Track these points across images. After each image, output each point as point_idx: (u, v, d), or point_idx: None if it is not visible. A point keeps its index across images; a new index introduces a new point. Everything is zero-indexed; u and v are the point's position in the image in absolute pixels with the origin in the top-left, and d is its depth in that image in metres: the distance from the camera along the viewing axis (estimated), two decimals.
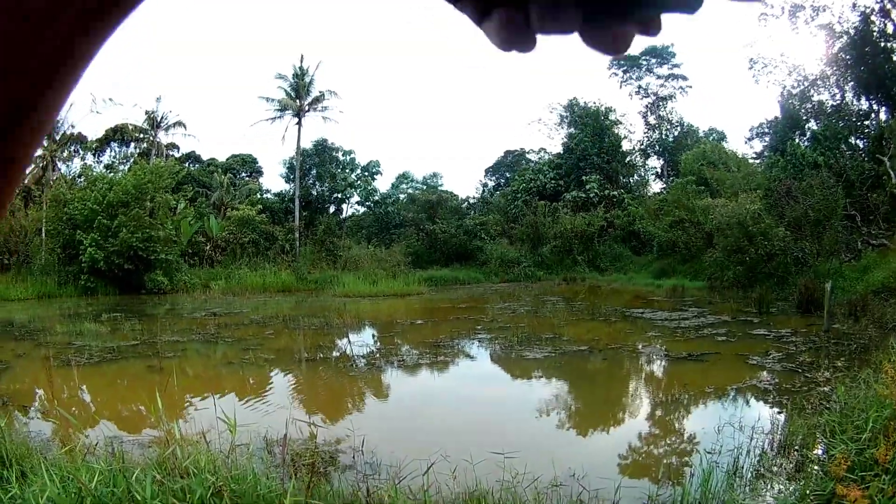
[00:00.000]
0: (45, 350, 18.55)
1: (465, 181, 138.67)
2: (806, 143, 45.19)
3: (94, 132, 51.31)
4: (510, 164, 68.25)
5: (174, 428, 7.05)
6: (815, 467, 8.64)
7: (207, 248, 41.54)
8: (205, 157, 56.67)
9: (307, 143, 50.01)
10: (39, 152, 42.90)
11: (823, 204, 31.49)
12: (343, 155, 52.73)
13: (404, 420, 12.98)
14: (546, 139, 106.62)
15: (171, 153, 51.78)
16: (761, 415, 12.79)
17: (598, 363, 18.74)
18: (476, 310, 30.07)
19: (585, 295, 36.34)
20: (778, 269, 32.35)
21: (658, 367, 19.23)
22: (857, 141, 45.04)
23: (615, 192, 51.65)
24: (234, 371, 16.18)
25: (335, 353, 19.26)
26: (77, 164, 48.15)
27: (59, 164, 46.28)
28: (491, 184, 69.41)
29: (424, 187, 53.33)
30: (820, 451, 9.54)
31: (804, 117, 48.76)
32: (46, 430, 9.91)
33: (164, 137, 51.98)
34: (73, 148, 48.60)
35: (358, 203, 54.34)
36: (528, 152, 67.36)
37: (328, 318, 25.44)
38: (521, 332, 22.68)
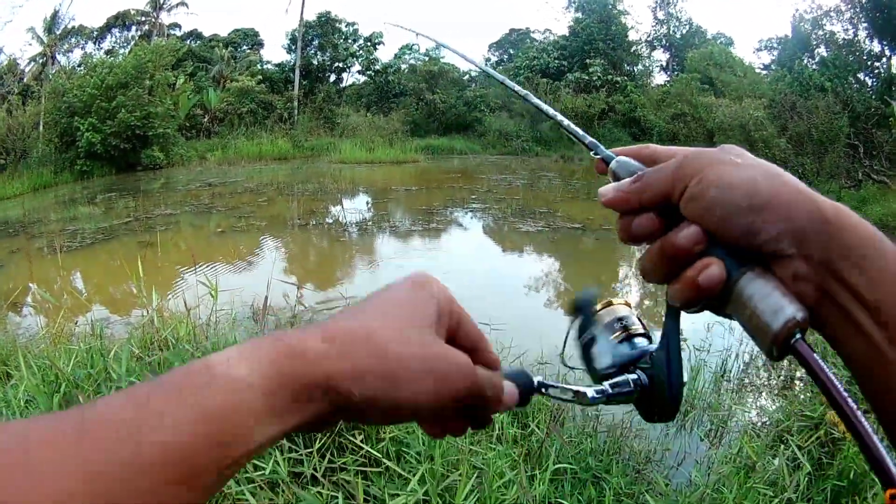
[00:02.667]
0: (39, 242, 17.86)
1: (469, 56, 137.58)
2: (815, 66, 44.61)
3: (96, 22, 50.32)
4: (514, 42, 67.26)
5: (156, 300, 6.99)
6: (804, 386, 8.69)
7: (205, 120, 40.77)
8: (207, 34, 55.49)
9: (311, 16, 48.96)
10: (38, 48, 42.49)
11: (827, 126, 31.02)
12: (346, 26, 51.56)
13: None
14: (552, 21, 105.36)
15: (172, 32, 50.64)
16: None
17: (591, 243, 18.73)
18: (472, 179, 30.13)
19: (582, 175, 35.52)
20: None
21: None
22: (867, 78, 44.01)
23: (619, 78, 50.74)
24: (225, 240, 16.08)
25: (328, 220, 19.22)
26: (77, 54, 46.56)
27: (60, 58, 44.86)
28: (494, 59, 68.25)
29: (427, 59, 52.71)
30: None
31: (814, 42, 47.97)
32: (38, 324, 9.51)
33: (166, 18, 50.81)
34: (73, 40, 47.17)
35: (359, 72, 53.38)
36: (533, 31, 66.26)
37: (323, 183, 25.39)
38: (515, 203, 22.84)
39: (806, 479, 5.15)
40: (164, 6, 49.28)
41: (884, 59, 42.66)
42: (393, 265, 14.78)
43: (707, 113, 37.76)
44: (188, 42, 49.65)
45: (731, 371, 9.49)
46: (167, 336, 6.07)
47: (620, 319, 1.04)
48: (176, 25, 52.03)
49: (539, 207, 22.78)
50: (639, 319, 1.04)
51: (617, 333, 1.02)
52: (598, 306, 1.06)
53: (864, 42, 42.90)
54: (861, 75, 42.85)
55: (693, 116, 40.18)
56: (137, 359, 5.58)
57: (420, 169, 32.61)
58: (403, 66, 51.80)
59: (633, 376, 0.94)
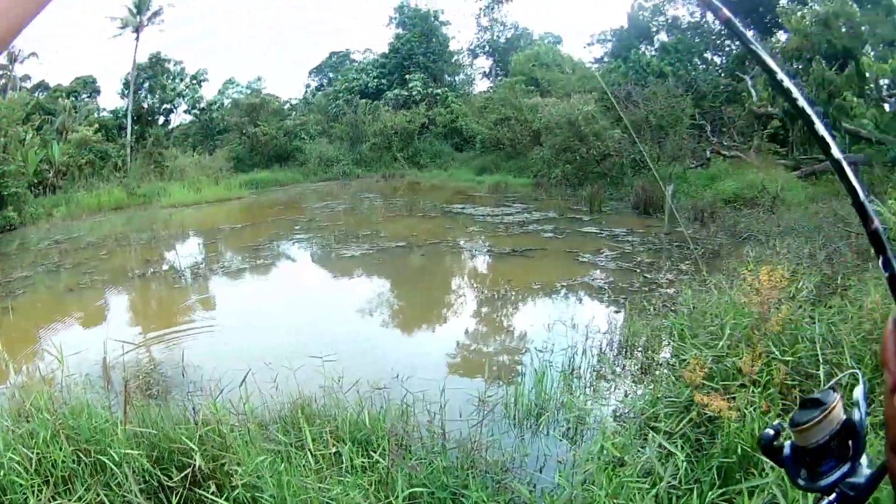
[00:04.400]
0: None
1: (292, 84, 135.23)
2: (653, 53, 45.86)
3: None
4: (334, 65, 66.56)
5: (11, 368, 7.00)
6: (665, 372, 8.67)
7: (50, 175, 39.61)
8: (52, 83, 53.21)
9: (143, 59, 48.01)
10: None
11: (668, 111, 31.33)
12: (174, 65, 50.47)
13: (227, 330, 12.71)
14: (372, 39, 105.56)
15: (23, 85, 48.86)
16: (596, 314, 12.73)
17: (418, 259, 19.20)
18: (295, 210, 30.62)
19: (404, 191, 36.14)
20: (612, 169, 32.18)
21: (481, 263, 19.61)
22: (715, 57, 45.62)
23: (439, 90, 51.25)
24: (75, 298, 15.95)
25: (164, 267, 19.25)
26: None
27: None
28: (314, 85, 67.96)
29: (249, 91, 52.40)
30: (668, 355, 9.52)
31: (654, 29, 49.19)
32: None
33: (19, 69, 49.20)
34: None
35: (185, 112, 52.24)
36: (353, 53, 66.05)
37: (155, 230, 25.18)
38: (338, 230, 23.33)
39: (684, 463, 5.31)
40: (18, 58, 47.78)
41: (734, 38, 44.62)
42: (227, 306, 15.24)
43: (533, 114, 37.77)
44: (36, 94, 48.12)
45: (580, 367, 9.69)
46: (29, 406, 6.08)
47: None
48: (27, 77, 50.25)
49: (363, 230, 23.20)
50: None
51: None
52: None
53: (713, 22, 42.93)
54: (709, 55, 44.58)
55: (518, 119, 40.22)
56: (12, 432, 5.73)
57: (245, 205, 32.64)
58: (227, 101, 51.03)
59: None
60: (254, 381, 7.04)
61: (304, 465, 5.50)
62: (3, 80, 47.96)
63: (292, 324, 12.89)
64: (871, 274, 9.26)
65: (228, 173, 39.83)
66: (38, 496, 5.14)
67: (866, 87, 28.51)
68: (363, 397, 7.21)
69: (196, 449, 5.44)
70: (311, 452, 5.55)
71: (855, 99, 26.63)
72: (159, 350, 11.16)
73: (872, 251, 0.92)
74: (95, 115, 48.80)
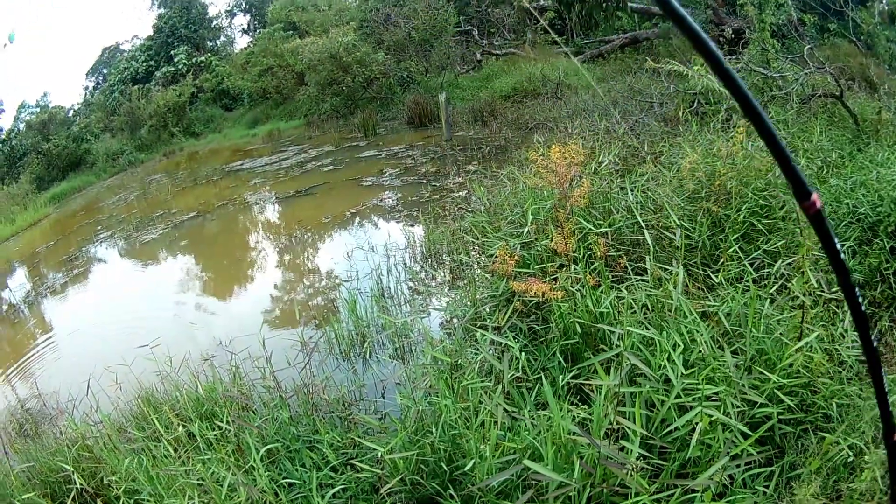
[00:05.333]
0: None
1: (75, 90, 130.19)
2: None
3: None
4: (107, 61, 64.98)
5: None
6: (477, 271, 8.73)
7: None
8: None
9: None
10: None
11: (430, 24, 31.54)
12: None
13: (66, 346, 12.66)
14: (137, 25, 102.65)
15: None
16: (391, 232, 13.28)
17: (212, 226, 19.54)
18: (94, 211, 29.72)
19: (186, 163, 36.98)
20: (381, 91, 32.76)
21: (271, 212, 19.96)
22: None
23: (202, 58, 51.14)
24: None
25: (4, 307, 18.36)
26: None
27: None
28: (92, 85, 65.93)
29: (38, 109, 51.69)
30: (474, 255, 9.63)
31: None
32: None
33: None
34: None
35: None
36: (122, 43, 64.47)
37: None
38: (134, 218, 23.15)
39: (523, 353, 5.37)
40: None
41: None
42: (63, 324, 14.92)
43: (294, 57, 38.36)
44: None
45: (388, 287, 10.05)
46: None
47: None
48: None
49: (156, 212, 23.32)
50: None
51: None
52: None
53: None
54: None
55: (280, 66, 40.43)
56: None
57: (53, 220, 31.84)
58: (21, 126, 49.94)
59: None
60: (99, 387, 7.40)
61: (165, 455, 5.59)
62: None
63: (119, 321, 12.73)
64: (682, 139, 9.39)
65: (34, 195, 38.78)
66: None
67: None
68: (195, 372, 7.32)
69: (73, 470, 5.64)
70: (165, 441, 5.63)
71: None
72: (17, 387, 11.00)
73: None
74: None
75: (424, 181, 16.70)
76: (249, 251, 16.81)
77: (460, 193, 14.47)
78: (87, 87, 66.53)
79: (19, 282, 21.04)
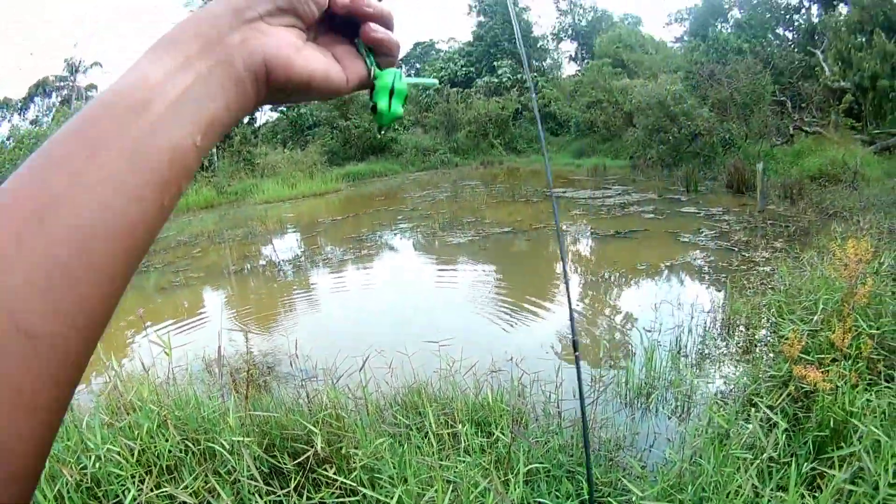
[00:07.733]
0: None
1: None
2: (729, 30, 45.29)
3: (19, 93, 50.71)
4: (420, 56, 67.67)
5: (114, 364, 6.79)
6: (765, 348, 8.81)
7: None
8: None
9: None
10: None
11: (750, 88, 31.07)
12: None
13: (336, 320, 12.82)
14: (454, 28, 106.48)
15: (90, 94, 49.86)
16: (699, 293, 12.83)
17: (524, 245, 18.71)
18: (396, 200, 30.08)
19: (504, 177, 35.97)
20: (703, 148, 31.63)
21: (585, 247, 19.07)
22: (786, 32, 45.21)
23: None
24: (168, 297, 15.80)
25: (262, 262, 18.99)
26: (6, 127, 46.16)
27: None
28: None
29: None
30: (766, 333, 9.64)
31: (726, 6, 48.82)
32: None
33: (83, 80, 50.72)
34: None
35: (271, 109, 52.83)
36: (437, 42, 66.96)
37: (251, 226, 25.09)
38: (442, 218, 22.82)
39: (784, 435, 5.26)
40: (80, 69, 49.42)
41: (803, 10, 43.50)
42: (332, 297, 14.89)
43: (623, 96, 37.92)
44: None
45: (686, 346, 9.58)
46: (132, 399, 5.94)
47: None
48: (93, 87, 51.65)
49: (466, 217, 22.96)
50: None
51: None
52: None
53: None
54: (780, 30, 43.76)
55: (609, 101, 40.30)
56: (108, 425, 5.55)
57: (343, 197, 32.59)
58: None
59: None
60: (369, 368, 6.97)
61: (422, 447, 5.53)
62: (66, 91, 48.90)
63: (401, 312, 12.84)
64: None
65: (323, 167, 39.96)
66: (139, 486, 5.06)
67: None
68: (480, 379, 7.33)
69: (317, 432, 5.55)
70: (432, 433, 5.57)
71: None
72: (264, 342, 11.04)
73: None
74: None
75: (735, 249, 15.98)
76: (555, 278, 15.95)
77: (765, 269, 13.86)
78: None
79: (288, 245, 21.84)
